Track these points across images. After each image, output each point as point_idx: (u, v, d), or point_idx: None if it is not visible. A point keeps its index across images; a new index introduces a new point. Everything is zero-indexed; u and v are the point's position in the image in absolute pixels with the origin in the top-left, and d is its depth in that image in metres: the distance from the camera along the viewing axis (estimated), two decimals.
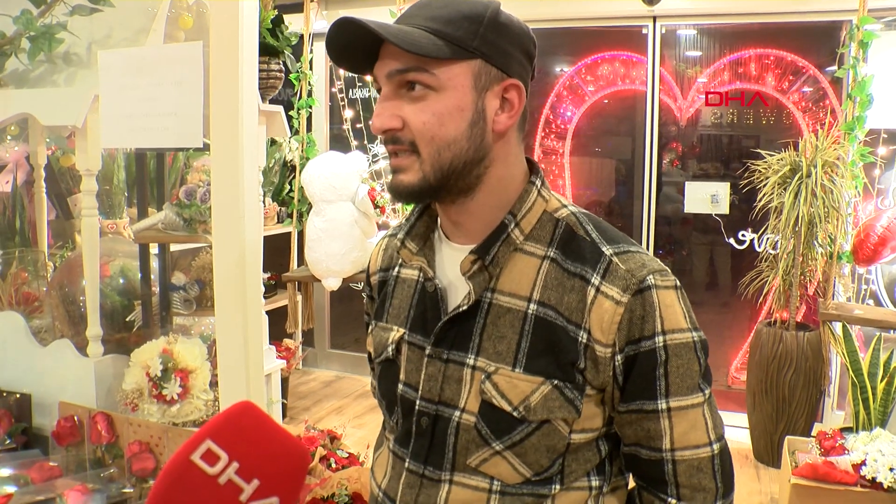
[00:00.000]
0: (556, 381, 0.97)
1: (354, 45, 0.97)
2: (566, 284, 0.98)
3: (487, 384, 0.98)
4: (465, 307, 1.01)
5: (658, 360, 0.96)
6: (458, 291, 1.04)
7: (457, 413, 1.01)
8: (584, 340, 0.96)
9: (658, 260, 1.01)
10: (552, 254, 1.01)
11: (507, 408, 0.97)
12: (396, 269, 1.16)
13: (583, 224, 1.02)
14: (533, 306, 0.99)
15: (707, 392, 1.00)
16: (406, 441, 1.07)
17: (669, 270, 1.00)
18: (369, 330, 1.20)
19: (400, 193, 0.99)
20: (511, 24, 0.98)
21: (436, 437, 1.03)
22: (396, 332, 1.10)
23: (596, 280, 0.97)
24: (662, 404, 0.97)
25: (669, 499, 1.00)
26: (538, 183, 1.04)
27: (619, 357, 0.96)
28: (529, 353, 0.98)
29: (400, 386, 1.08)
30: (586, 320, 0.96)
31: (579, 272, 0.98)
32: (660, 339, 0.96)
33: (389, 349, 1.10)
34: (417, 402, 1.04)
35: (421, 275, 1.09)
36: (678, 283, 1.00)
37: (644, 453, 1.00)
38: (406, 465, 1.07)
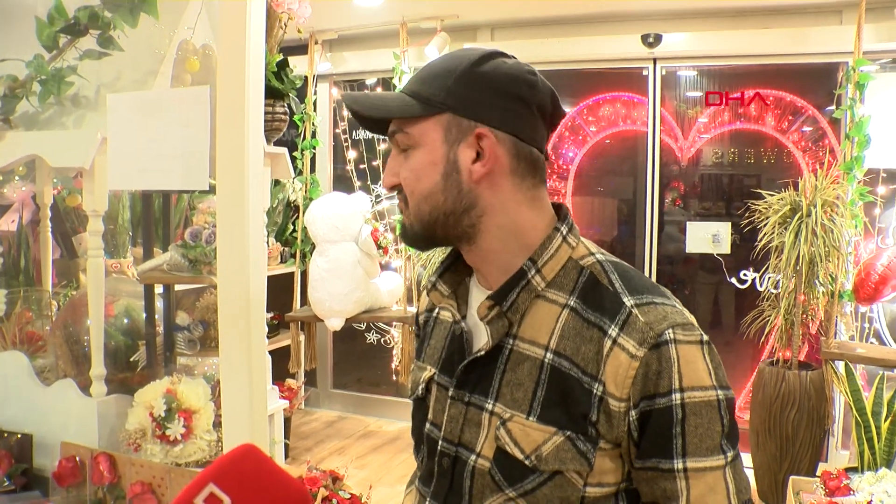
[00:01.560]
0: (568, 433, 0.95)
1: (366, 116, 1.06)
2: (584, 335, 0.97)
3: (502, 431, 0.98)
4: (482, 353, 1.02)
5: (674, 418, 0.92)
6: (482, 335, 1.04)
7: (473, 457, 1.01)
8: (599, 393, 0.94)
9: (686, 313, 0.98)
10: (573, 302, 1.00)
11: (520, 456, 0.96)
12: (437, 310, 1.18)
13: (607, 273, 1.01)
14: (549, 355, 0.98)
15: (730, 454, 0.94)
16: (429, 480, 1.08)
17: (696, 325, 0.97)
18: (411, 368, 1.23)
19: (402, 233, 1.08)
20: (493, 72, 0.99)
21: (455, 479, 1.03)
22: (428, 372, 1.12)
23: (613, 332, 0.95)
24: (679, 464, 0.92)
25: None
26: (564, 230, 1.04)
27: (633, 412, 0.93)
28: (544, 403, 0.97)
29: (427, 425, 1.10)
30: (602, 372, 0.94)
31: (598, 322, 0.97)
32: (677, 397, 0.92)
33: (420, 388, 1.13)
34: (440, 442, 1.05)
35: (454, 316, 1.10)
36: (705, 338, 0.96)
37: None
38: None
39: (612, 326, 0.95)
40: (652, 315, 0.95)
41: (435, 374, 1.10)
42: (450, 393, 1.05)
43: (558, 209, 1.07)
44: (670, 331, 0.93)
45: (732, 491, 0.94)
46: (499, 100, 0.99)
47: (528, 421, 0.97)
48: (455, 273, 1.12)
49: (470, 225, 1.02)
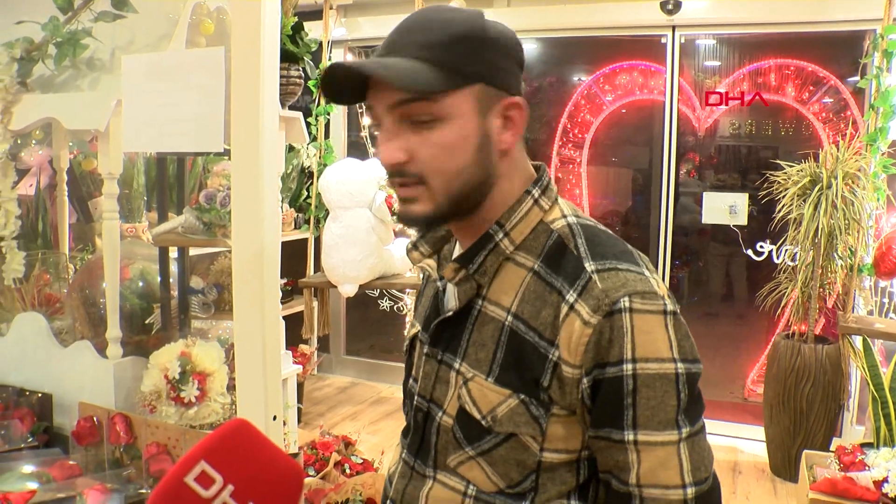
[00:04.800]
0: (522, 396, 0.95)
1: (348, 84, 0.96)
2: (545, 298, 0.96)
3: (463, 390, 1.00)
4: (450, 313, 1.04)
5: (625, 388, 0.90)
6: (454, 296, 1.06)
7: (440, 413, 1.04)
8: (554, 358, 0.93)
9: (653, 281, 0.94)
10: (537, 266, 0.99)
11: (477, 416, 0.98)
12: None
13: (574, 236, 0.99)
14: (510, 318, 0.98)
15: (686, 430, 0.91)
16: (407, 433, 1.13)
17: (661, 294, 0.93)
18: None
19: (412, 221, 0.98)
20: (502, 37, 0.96)
21: (425, 434, 1.07)
22: (415, 329, 1.16)
23: (571, 297, 0.93)
24: (629, 436, 0.91)
25: None
26: (536, 192, 1.02)
27: (585, 380, 0.92)
28: (503, 365, 0.97)
29: (410, 380, 1.15)
30: (558, 337, 0.93)
31: (558, 287, 0.95)
32: (628, 367, 0.90)
33: (405, 344, 1.19)
34: (416, 397, 1.09)
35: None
36: (670, 308, 0.93)
37: (614, 483, 0.94)
38: (402, 455, 1.13)
39: (571, 291, 0.93)
40: (610, 282, 0.92)
41: (419, 331, 1.13)
42: (425, 350, 1.08)
43: (537, 169, 1.06)
44: (626, 299, 0.91)
45: (686, 468, 0.91)
46: (512, 65, 0.98)
47: (487, 382, 0.98)
48: (433, 235, 1.13)
49: (482, 194, 0.99)
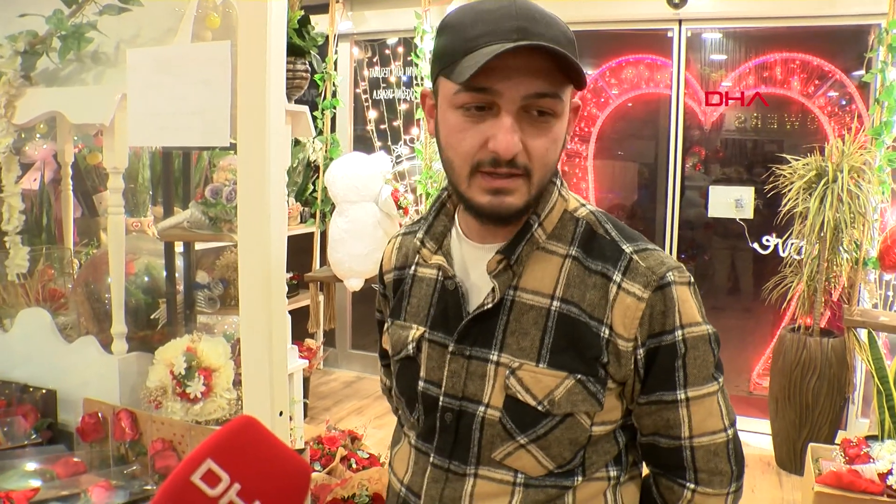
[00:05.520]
0: (579, 376, 0.99)
1: (515, 64, 0.92)
2: (588, 282, 1.01)
3: (512, 379, 1.00)
4: (489, 305, 1.03)
5: (678, 352, 1.00)
6: (479, 290, 1.06)
7: (481, 408, 1.03)
8: (607, 335, 0.99)
9: (672, 257, 1.04)
10: (574, 252, 1.03)
11: (532, 402, 1.00)
12: (413, 267, 1.17)
13: (602, 223, 1.05)
14: (556, 303, 1.01)
15: (720, 381, 1.04)
16: (430, 437, 1.09)
17: (684, 267, 1.03)
18: (384, 328, 1.22)
19: (502, 214, 0.98)
20: None
21: (460, 433, 1.05)
22: (416, 331, 1.12)
23: (617, 277, 0.99)
24: (681, 395, 1.01)
25: (688, 483, 1.05)
26: (558, 183, 1.07)
27: (640, 351, 0.99)
28: (553, 349, 1.00)
29: (421, 383, 1.10)
30: (608, 316, 0.99)
31: (601, 270, 1.01)
32: (679, 333, 0.99)
33: (410, 347, 1.12)
34: (441, 398, 1.06)
35: (440, 273, 1.10)
36: (692, 279, 1.04)
37: (663, 442, 1.04)
38: (430, 459, 1.08)
39: (616, 272, 1.00)
40: (651, 260, 1.00)
41: (426, 331, 1.10)
42: (450, 349, 1.05)
43: None
44: (670, 273, 1.00)
45: (724, 412, 1.04)
46: None
47: (539, 368, 1.00)
48: (436, 231, 1.12)
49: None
